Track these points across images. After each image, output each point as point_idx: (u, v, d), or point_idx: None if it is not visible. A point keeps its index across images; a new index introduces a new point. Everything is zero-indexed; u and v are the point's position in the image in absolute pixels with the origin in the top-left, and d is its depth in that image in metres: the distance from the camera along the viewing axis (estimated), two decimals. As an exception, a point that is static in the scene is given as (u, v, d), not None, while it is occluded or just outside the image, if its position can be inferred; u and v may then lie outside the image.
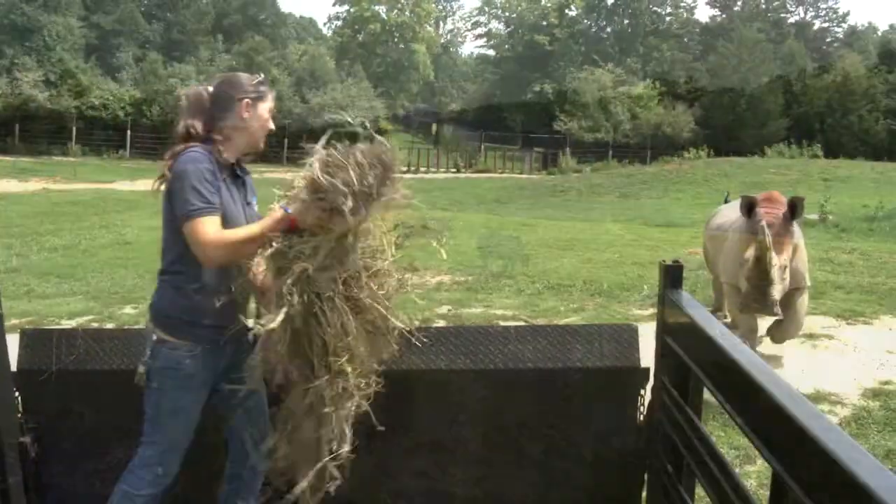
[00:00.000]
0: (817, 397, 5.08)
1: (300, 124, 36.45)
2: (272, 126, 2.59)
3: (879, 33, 64.02)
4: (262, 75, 2.66)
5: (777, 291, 5.01)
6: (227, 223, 2.40)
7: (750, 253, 5.09)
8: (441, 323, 6.74)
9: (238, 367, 2.50)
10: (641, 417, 2.77)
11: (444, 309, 7.35)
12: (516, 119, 46.59)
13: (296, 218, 2.29)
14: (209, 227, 2.33)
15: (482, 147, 40.33)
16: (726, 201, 7.90)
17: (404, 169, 33.40)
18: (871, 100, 47.74)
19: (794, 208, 5.28)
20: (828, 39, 59.23)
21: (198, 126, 2.46)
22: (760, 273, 4.95)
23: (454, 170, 35.23)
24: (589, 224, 16.25)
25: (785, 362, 5.76)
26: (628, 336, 2.78)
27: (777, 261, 5.00)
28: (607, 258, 10.58)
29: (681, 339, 2.41)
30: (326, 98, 36.94)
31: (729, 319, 6.74)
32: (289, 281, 2.19)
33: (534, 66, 51.80)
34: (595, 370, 2.49)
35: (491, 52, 63.30)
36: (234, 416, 2.62)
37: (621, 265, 9.97)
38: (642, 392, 2.80)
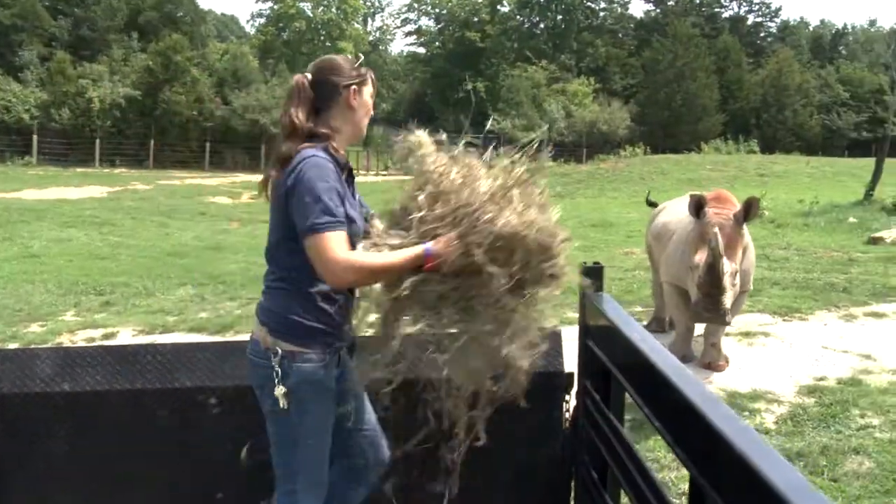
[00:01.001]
0: (754, 396, 5.22)
1: (223, 127, 35.86)
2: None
3: (811, 28, 66.83)
4: (361, 56, 2.53)
5: (729, 299, 4.94)
6: (351, 234, 2.29)
7: (700, 258, 5.02)
8: (370, 332, 6.68)
9: (344, 376, 2.46)
10: (567, 424, 2.78)
11: (371, 317, 7.27)
12: (448, 118, 46.83)
13: (434, 261, 2.18)
14: (336, 245, 2.19)
15: (415, 148, 40.32)
16: (648, 202, 7.99)
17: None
18: (804, 95, 49.84)
19: (749, 209, 5.25)
20: (762, 34, 61.40)
21: (302, 117, 2.33)
22: (713, 281, 4.84)
23: (385, 171, 35.15)
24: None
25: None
26: (552, 340, 2.78)
27: (729, 267, 4.94)
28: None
29: (601, 342, 2.42)
30: (250, 99, 36.35)
31: (667, 320, 6.89)
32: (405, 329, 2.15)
33: (465, 63, 52.02)
34: None
35: (421, 50, 63.43)
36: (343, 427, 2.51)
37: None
38: (567, 398, 2.80)
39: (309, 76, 2.39)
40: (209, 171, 32.32)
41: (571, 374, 2.81)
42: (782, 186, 26.86)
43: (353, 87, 2.40)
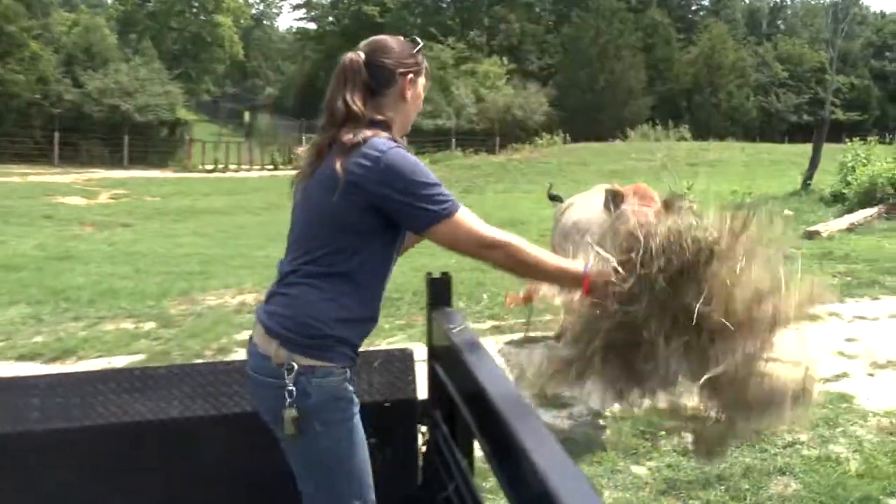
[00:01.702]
0: (675, 412, 5.27)
1: (74, 114, 34.36)
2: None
3: (746, 1, 69.24)
4: (420, 42, 2.53)
5: None
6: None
7: None
8: (242, 353, 6.51)
9: None
10: (421, 459, 2.74)
11: (244, 335, 7.07)
12: (346, 104, 46.43)
13: (591, 285, 2.29)
14: (476, 220, 2.27)
15: (304, 139, 39.86)
16: (550, 196, 8.05)
17: (210, 167, 32.56)
18: (740, 74, 51.87)
19: (670, 208, 5.36)
20: (693, 8, 63.54)
21: (360, 103, 2.31)
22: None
23: (271, 167, 34.61)
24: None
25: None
26: (401, 363, 2.71)
27: None
28: (443, 264, 10.62)
29: (446, 365, 2.37)
30: (108, 81, 34.88)
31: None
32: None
33: (363, 41, 51.88)
34: (364, 404, 2.40)
35: (312, 26, 62.72)
36: None
37: (459, 272, 10.05)
38: (422, 429, 2.76)
39: (362, 55, 2.40)
40: (59, 167, 30.97)
41: (425, 402, 2.76)
42: (715, 176, 27.83)
43: (410, 75, 2.43)
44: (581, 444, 4.78)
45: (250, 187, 26.93)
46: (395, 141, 2.34)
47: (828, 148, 21.26)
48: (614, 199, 5.26)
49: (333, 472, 2.32)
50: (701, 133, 42.93)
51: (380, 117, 2.35)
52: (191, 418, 2.61)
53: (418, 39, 2.54)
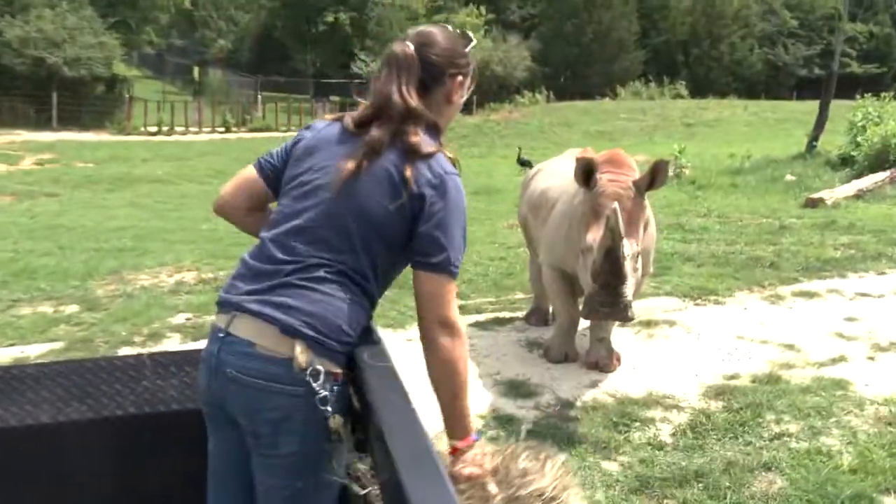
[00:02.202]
0: (649, 401, 5.28)
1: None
2: None
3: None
4: (473, 39, 2.54)
5: (631, 289, 4.91)
6: None
7: (594, 239, 4.96)
8: (176, 338, 6.43)
9: None
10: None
11: (180, 318, 6.99)
12: (305, 60, 46.18)
13: (462, 449, 2.35)
14: (456, 305, 2.34)
15: (259, 97, 39.54)
16: (521, 162, 8.01)
17: (153, 129, 32.17)
18: (744, 24, 51.81)
19: (655, 177, 5.18)
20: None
21: (416, 98, 2.35)
22: (612, 269, 4.78)
23: (222, 129, 34.33)
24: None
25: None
26: None
27: (630, 249, 4.89)
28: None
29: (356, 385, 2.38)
30: (30, 29, 34.08)
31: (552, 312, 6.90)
32: None
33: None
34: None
35: (269, -30, 62.03)
36: None
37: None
38: None
39: (411, 47, 2.40)
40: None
41: None
42: (713, 138, 27.97)
43: (460, 77, 2.46)
44: (546, 437, 4.74)
45: (198, 152, 26.69)
46: (449, 157, 2.38)
47: (838, 105, 21.30)
48: (586, 170, 5.15)
49: (325, 489, 2.31)
50: (699, 90, 43.03)
51: (431, 118, 2.38)
52: (63, 423, 2.55)
53: (470, 35, 2.55)
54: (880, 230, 10.90)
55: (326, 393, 2.20)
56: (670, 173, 16.61)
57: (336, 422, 2.21)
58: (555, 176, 6.36)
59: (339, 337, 2.25)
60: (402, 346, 6.37)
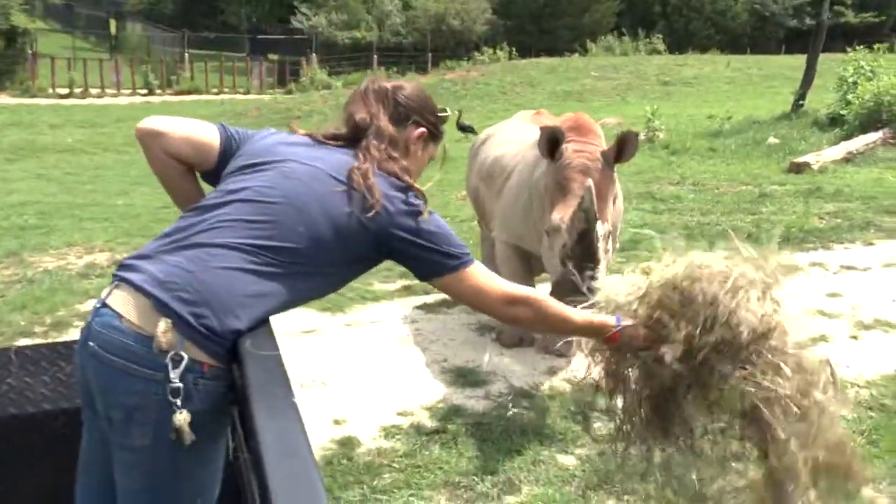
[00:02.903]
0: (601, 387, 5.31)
1: None
2: None
3: None
4: (449, 112, 2.82)
5: (603, 272, 4.87)
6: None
7: (562, 218, 4.94)
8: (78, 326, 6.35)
9: None
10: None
11: (90, 305, 6.90)
12: (238, 13, 45.70)
13: (617, 342, 2.68)
14: (491, 277, 2.56)
15: (186, 56, 39.09)
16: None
17: (63, 91, 31.65)
18: (728, -31, 52.03)
19: (624, 148, 5.19)
20: None
21: (392, 128, 2.55)
22: (586, 253, 4.77)
23: (144, 91, 33.91)
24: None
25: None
26: None
27: (603, 230, 4.88)
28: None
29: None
30: None
31: None
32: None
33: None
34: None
35: None
36: None
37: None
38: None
39: (388, 86, 2.66)
40: None
41: None
42: (691, 97, 28.14)
43: (423, 129, 2.64)
44: (497, 429, 4.79)
45: (115, 117, 26.30)
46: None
47: (829, 59, 21.48)
48: (552, 140, 5.14)
49: (184, 500, 2.28)
50: (677, 45, 43.19)
51: (401, 162, 2.54)
52: None
53: (447, 110, 2.84)
54: (870, 197, 11.09)
55: (179, 384, 2.13)
56: (642, 137, 16.82)
57: (181, 419, 2.13)
58: (507, 143, 6.35)
59: (224, 321, 2.20)
60: (340, 330, 6.39)
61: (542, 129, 5.23)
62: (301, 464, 1.63)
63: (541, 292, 2.65)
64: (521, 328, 2.60)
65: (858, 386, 5.37)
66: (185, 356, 2.13)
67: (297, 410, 1.86)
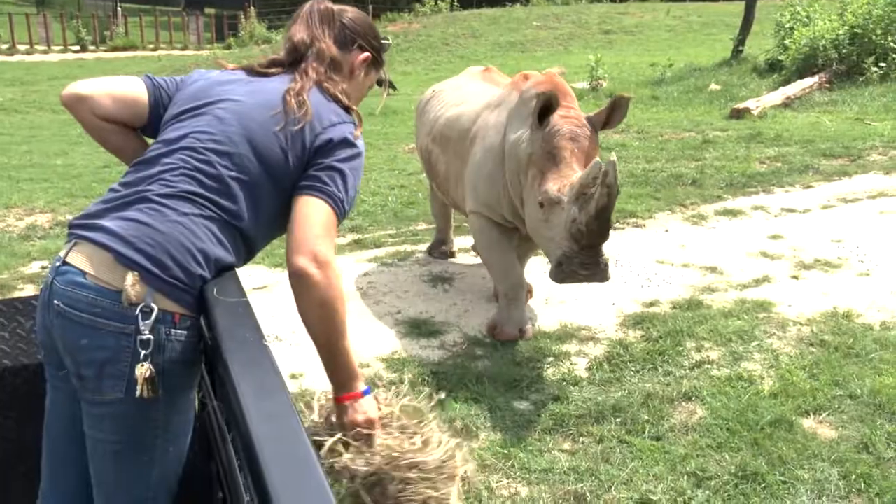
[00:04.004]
0: (563, 335, 5.43)
1: None
2: None
3: None
4: (389, 41, 2.80)
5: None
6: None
7: (560, 192, 4.66)
8: (30, 290, 6.28)
9: None
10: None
11: (35, 267, 6.83)
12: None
13: (351, 399, 2.39)
14: (333, 238, 2.33)
15: (119, 10, 38.25)
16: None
17: (23, 48, 30.68)
18: None
19: (613, 113, 5.02)
20: None
21: (336, 51, 2.55)
22: (601, 230, 4.53)
23: (77, 47, 33.14)
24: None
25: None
26: None
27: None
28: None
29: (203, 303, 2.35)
30: None
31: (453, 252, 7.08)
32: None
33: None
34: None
35: None
36: None
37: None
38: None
39: (333, 7, 2.61)
40: None
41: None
42: (633, 46, 28.29)
43: (367, 54, 2.65)
44: (454, 377, 4.86)
45: (48, 75, 25.71)
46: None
47: (768, 6, 21.71)
48: (546, 107, 4.88)
49: (157, 450, 2.28)
50: (619, -9, 43.13)
51: (343, 87, 2.54)
52: None
53: (389, 38, 2.84)
54: (808, 140, 11.32)
55: (149, 336, 2.14)
56: (585, 86, 16.94)
57: (143, 371, 2.13)
58: (461, 103, 6.10)
59: (188, 269, 2.21)
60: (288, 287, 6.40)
61: (538, 95, 4.92)
62: (280, 405, 1.64)
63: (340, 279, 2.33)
64: (294, 288, 2.14)
65: (800, 324, 5.54)
66: (155, 307, 2.14)
67: (270, 353, 1.87)
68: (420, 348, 5.32)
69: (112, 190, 2.33)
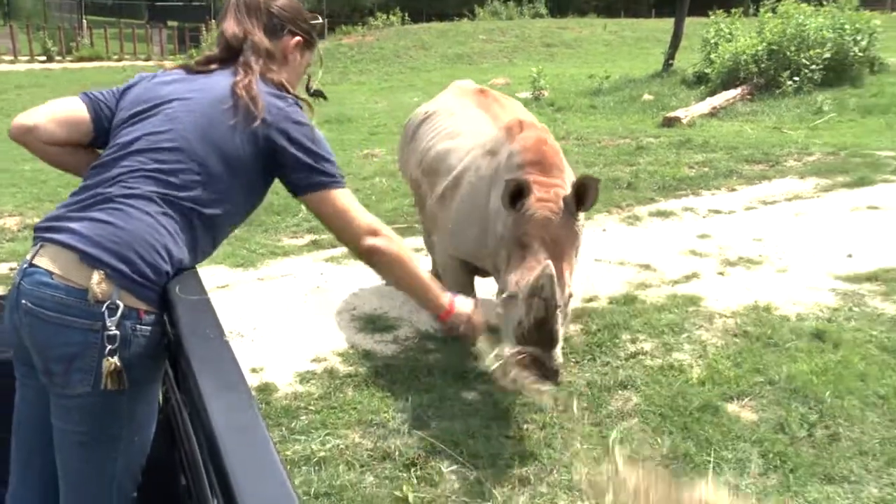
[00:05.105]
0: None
1: None
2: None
3: None
4: (319, 18, 2.73)
5: (560, 351, 4.04)
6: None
7: (517, 285, 4.02)
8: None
9: None
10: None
11: (3, 268, 6.74)
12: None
13: (450, 319, 2.70)
14: (355, 201, 2.48)
15: (84, 22, 37.70)
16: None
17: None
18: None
19: (585, 196, 4.17)
20: None
21: (266, 41, 2.50)
22: (543, 339, 3.90)
23: (43, 57, 32.50)
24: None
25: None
26: None
27: (563, 296, 4.00)
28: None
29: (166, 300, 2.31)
30: None
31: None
32: None
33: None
34: None
35: None
36: None
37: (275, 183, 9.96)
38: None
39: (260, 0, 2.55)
40: None
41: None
42: (572, 58, 28.50)
43: (299, 38, 2.60)
44: (406, 370, 4.88)
45: (15, 84, 25.10)
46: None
47: (694, 24, 22.00)
48: (516, 192, 4.17)
49: (123, 440, 2.26)
50: (559, 8, 43.56)
51: (275, 70, 2.49)
52: None
53: (319, 17, 2.75)
54: (732, 147, 11.50)
55: (116, 332, 2.13)
56: (528, 95, 17.03)
57: (110, 365, 2.12)
58: (454, 134, 5.33)
59: (154, 266, 2.20)
60: (253, 285, 6.39)
61: (506, 181, 4.18)
62: (239, 397, 1.63)
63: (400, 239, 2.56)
64: (371, 264, 2.20)
65: (725, 316, 5.64)
66: (121, 304, 2.13)
67: (230, 348, 1.87)
68: (374, 343, 5.33)
69: (74, 194, 2.31)
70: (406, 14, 37.04)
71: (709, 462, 3.93)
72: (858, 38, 16.83)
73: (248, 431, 1.46)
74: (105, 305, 2.12)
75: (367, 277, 6.51)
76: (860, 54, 16.80)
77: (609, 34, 33.36)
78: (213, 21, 36.98)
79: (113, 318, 2.12)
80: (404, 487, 3.76)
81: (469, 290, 5.03)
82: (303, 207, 8.31)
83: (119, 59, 33.75)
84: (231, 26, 2.49)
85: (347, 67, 26.76)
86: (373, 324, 5.60)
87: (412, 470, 3.91)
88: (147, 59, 34.53)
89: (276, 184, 2.48)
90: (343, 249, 7.20)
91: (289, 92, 2.47)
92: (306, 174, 2.38)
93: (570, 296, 4.16)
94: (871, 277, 6.36)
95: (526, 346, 3.89)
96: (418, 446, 4.10)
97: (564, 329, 4.17)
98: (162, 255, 2.21)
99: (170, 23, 39.22)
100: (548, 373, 3.93)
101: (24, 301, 2.17)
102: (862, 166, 10.10)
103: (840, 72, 16.44)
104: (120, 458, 2.27)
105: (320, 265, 6.86)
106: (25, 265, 2.21)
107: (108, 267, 2.14)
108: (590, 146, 11.71)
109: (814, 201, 8.77)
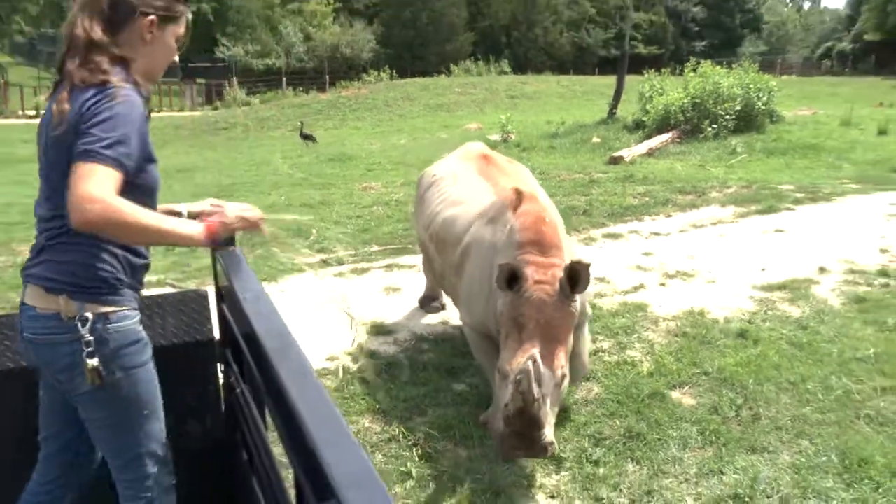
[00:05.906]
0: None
1: None
2: (176, 58, 2.33)
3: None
4: None
5: (551, 426, 3.52)
6: (151, 183, 2.22)
7: (511, 369, 3.49)
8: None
9: None
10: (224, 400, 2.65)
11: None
12: (172, 46, 44.01)
13: (214, 235, 2.22)
14: (101, 181, 1.94)
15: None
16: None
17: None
18: (553, 11, 53.11)
19: (575, 283, 3.63)
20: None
21: (98, 32, 2.12)
22: (523, 425, 3.38)
23: (33, 114, 32.16)
24: (254, 164, 16.02)
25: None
26: (197, 304, 2.58)
27: (554, 378, 3.52)
28: (272, 202, 10.45)
29: (230, 306, 2.28)
30: None
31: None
32: None
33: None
34: (159, 348, 2.29)
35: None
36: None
37: (287, 209, 9.93)
38: (222, 368, 2.65)
39: None
40: None
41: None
42: (533, 108, 28.61)
43: (153, 17, 2.22)
44: (406, 366, 4.86)
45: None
46: (136, 86, 2.15)
47: (631, 80, 22.18)
48: (510, 277, 3.69)
49: (135, 416, 2.26)
50: (520, 67, 43.90)
51: (118, 52, 2.15)
52: None
53: None
54: (667, 180, 11.54)
55: (90, 337, 2.12)
56: (497, 138, 17.08)
57: (90, 364, 2.12)
58: (459, 202, 4.79)
59: (99, 277, 2.15)
60: (276, 296, 6.34)
61: (499, 266, 3.69)
62: (314, 384, 1.50)
63: (126, 202, 1.98)
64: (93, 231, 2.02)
65: (668, 320, 5.64)
66: (89, 314, 2.13)
67: (298, 345, 1.70)
68: (378, 344, 5.30)
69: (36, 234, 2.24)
70: (394, 71, 37.15)
71: (658, 439, 3.94)
72: (760, 94, 17.13)
73: (324, 412, 1.39)
74: (76, 318, 2.12)
75: (370, 290, 6.50)
76: (763, 107, 17.15)
77: (562, 88, 33.61)
78: (234, 78, 37.08)
79: (86, 328, 2.13)
80: (408, 464, 3.75)
81: (496, 359, 3.96)
82: (314, 230, 8.30)
83: (158, 111, 33.60)
84: (64, 26, 2.18)
85: (346, 115, 26.79)
86: (376, 328, 5.56)
87: (415, 450, 3.88)
88: (181, 110, 34.47)
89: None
90: (349, 266, 7.19)
91: (102, 80, 2.08)
92: (78, 144, 2.01)
93: (564, 376, 3.60)
94: (780, 287, 6.38)
95: (512, 427, 3.41)
96: (419, 430, 4.07)
97: (556, 409, 3.64)
98: (102, 267, 2.16)
99: (199, 80, 38.99)
100: (536, 449, 3.44)
101: (25, 333, 2.21)
102: (769, 197, 10.15)
103: (748, 121, 16.70)
104: (139, 430, 2.27)
105: (330, 280, 6.82)
106: (21, 303, 2.24)
107: (67, 290, 2.14)
108: (551, 179, 11.73)
109: (733, 225, 8.81)
